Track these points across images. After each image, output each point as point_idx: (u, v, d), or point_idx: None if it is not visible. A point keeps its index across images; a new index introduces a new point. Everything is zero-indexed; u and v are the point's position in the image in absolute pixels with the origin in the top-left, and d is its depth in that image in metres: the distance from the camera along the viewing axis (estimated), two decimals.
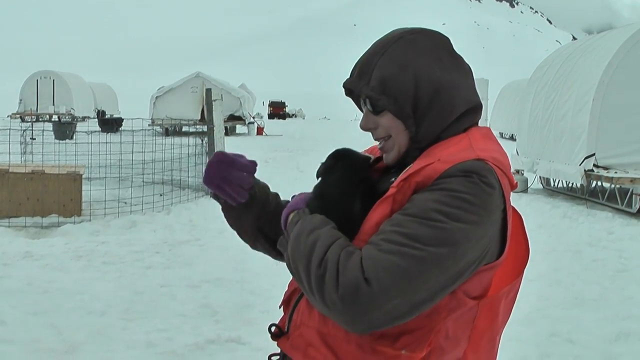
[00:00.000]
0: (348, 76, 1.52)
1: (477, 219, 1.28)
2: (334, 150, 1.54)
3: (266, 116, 60.97)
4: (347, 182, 1.46)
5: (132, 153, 10.04)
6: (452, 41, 1.52)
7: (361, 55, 1.50)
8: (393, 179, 1.39)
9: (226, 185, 1.54)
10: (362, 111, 1.53)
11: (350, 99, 1.59)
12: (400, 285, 1.22)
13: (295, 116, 73.05)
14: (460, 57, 1.49)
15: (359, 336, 1.33)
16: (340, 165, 1.49)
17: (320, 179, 1.51)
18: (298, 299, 1.47)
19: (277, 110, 67.83)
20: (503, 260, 1.38)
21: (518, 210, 1.49)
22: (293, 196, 1.54)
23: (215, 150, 10.07)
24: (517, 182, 1.46)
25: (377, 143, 1.54)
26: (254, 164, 1.56)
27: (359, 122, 1.53)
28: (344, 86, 1.52)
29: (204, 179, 1.57)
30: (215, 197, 1.61)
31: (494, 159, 1.37)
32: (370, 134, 1.52)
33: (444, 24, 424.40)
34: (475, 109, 1.48)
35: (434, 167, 1.33)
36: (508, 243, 1.38)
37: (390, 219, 1.31)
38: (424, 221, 1.26)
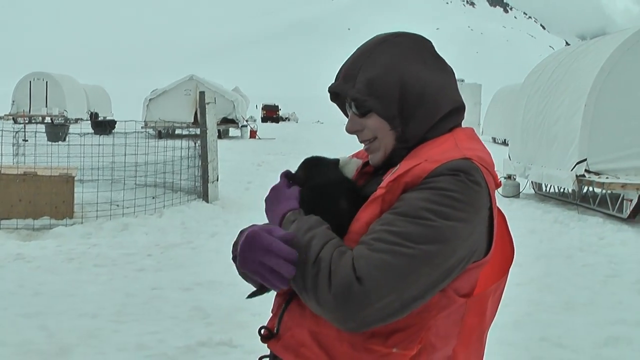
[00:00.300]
0: (333, 81, 1.53)
1: (466, 217, 1.31)
2: (302, 160, 1.55)
3: (259, 119, 60.89)
4: (330, 185, 1.47)
5: (125, 155, 10.00)
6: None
7: (346, 59, 1.52)
8: (382, 180, 1.41)
9: (266, 273, 1.33)
10: (346, 115, 1.55)
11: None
12: (392, 283, 1.24)
13: (289, 120, 72.94)
14: (443, 59, 1.53)
15: (351, 335, 1.34)
16: (316, 172, 1.51)
17: (301, 187, 1.52)
18: (288, 301, 1.47)
19: (271, 114, 67.76)
20: (490, 258, 1.40)
21: (501, 210, 1.51)
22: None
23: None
24: (501, 181, 1.49)
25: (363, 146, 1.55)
26: (293, 254, 1.32)
27: (345, 125, 1.54)
28: (329, 90, 1.54)
29: (238, 266, 1.40)
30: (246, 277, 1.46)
31: (480, 157, 1.40)
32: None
33: (437, 29, 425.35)
34: (459, 109, 1.51)
35: (422, 167, 1.35)
36: (495, 240, 1.41)
37: (380, 218, 1.33)
38: (414, 220, 1.28)
